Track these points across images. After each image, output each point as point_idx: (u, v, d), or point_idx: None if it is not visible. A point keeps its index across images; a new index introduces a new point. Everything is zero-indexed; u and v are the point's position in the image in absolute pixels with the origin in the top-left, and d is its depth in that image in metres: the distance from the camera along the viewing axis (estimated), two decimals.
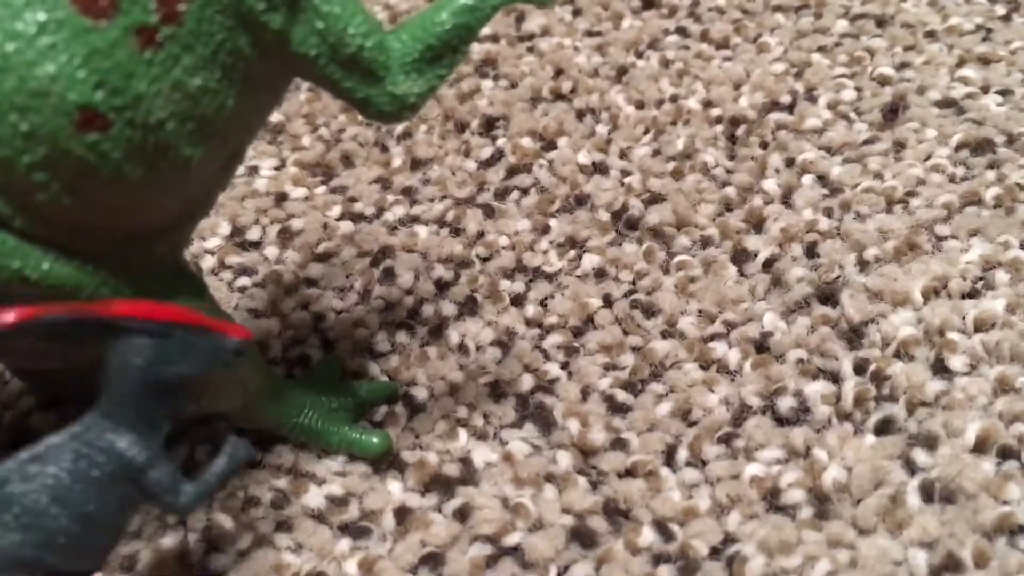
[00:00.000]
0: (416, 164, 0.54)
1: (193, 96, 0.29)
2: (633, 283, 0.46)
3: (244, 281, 0.48)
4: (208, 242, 0.50)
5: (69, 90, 0.27)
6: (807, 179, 0.50)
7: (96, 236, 0.30)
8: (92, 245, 0.30)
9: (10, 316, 0.27)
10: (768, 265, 0.46)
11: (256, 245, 0.50)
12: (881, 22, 0.60)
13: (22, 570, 0.29)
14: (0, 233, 0.29)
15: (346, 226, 0.50)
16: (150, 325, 0.29)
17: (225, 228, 0.50)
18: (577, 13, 0.64)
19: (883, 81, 0.55)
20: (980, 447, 0.38)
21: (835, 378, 0.41)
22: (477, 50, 0.60)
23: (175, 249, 0.34)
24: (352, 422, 0.41)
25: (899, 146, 0.51)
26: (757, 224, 0.48)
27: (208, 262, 0.49)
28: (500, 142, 0.54)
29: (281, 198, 0.52)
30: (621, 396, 0.42)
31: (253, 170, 0.54)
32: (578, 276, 0.47)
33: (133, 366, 0.29)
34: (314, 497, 0.39)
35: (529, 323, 0.45)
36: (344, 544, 0.38)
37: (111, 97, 0.27)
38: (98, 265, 0.30)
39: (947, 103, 0.53)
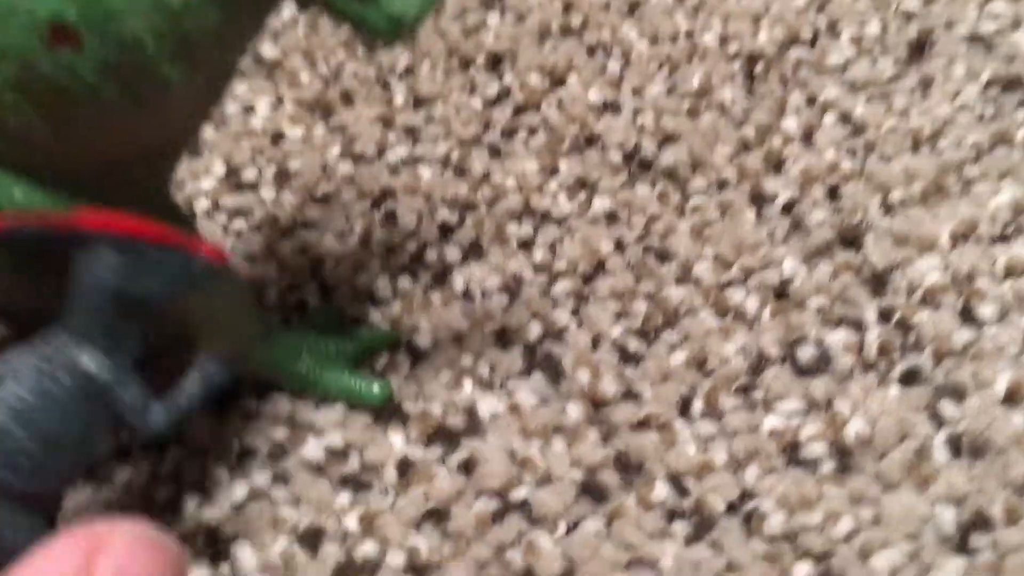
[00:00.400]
0: (419, 102, 0.51)
1: (174, 13, 0.27)
2: (646, 227, 0.44)
3: (240, 224, 0.46)
4: (202, 183, 0.48)
5: (39, 4, 0.25)
6: (829, 118, 0.47)
7: (72, 162, 0.28)
8: (68, 172, 0.28)
9: None
10: (788, 208, 0.44)
11: (252, 186, 0.48)
12: None
13: None
14: None
15: (346, 167, 0.48)
16: (116, 239, 0.27)
17: (219, 168, 0.48)
18: None
19: (909, 16, 0.53)
20: (1011, 399, 0.36)
21: (858, 327, 0.39)
22: None
23: (159, 181, 0.32)
24: (352, 369, 0.39)
25: (926, 84, 0.49)
26: (776, 165, 0.46)
27: (202, 204, 0.47)
28: (507, 79, 0.52)
29: (278, 137, 0.50)
30: (633, 345, 0.40)
31: (249, 108, 0.51)
32: (588, 220, 0.45)
33: (98, 280, 0.28)
34: (313, 449, 0.37)
35: (537, 269, 0.43)
36: (344, 498, 0.36)
37: (84, 10, 0.25)
38: (75, 194, 0.28)
39: (976, 39, 0.51)
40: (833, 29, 0.52)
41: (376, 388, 0.38)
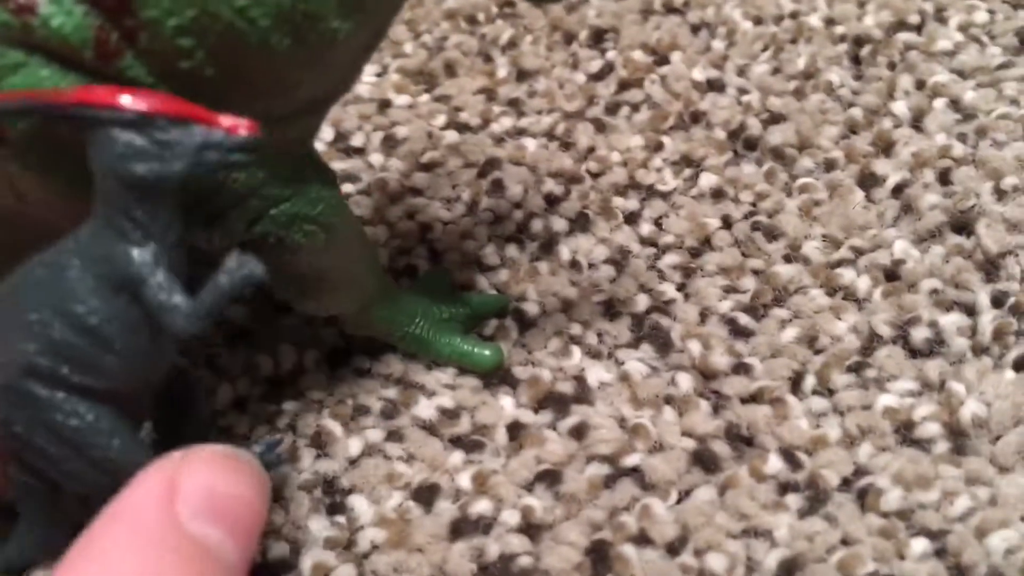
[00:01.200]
0: (522, 75, 0.52)
1: None
2: (753, 205, 0.44)
3: (348, 188, 0.46)
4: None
5: None
6: (939, 103, 0.47)
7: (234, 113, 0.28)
8: None
9: None
10: (898, 191, 0.44)
11: (360, 151, 0.48)
12: None
13: (37, 379, 0.28)
14: None
15: (451, 136, 0.48)
16: (117, 115, 0.25)
17: (328, 133, 0.49)
18: None
19: (1017, 4, 0.52)
20: None
21: (971, 311, 0.39)
22: None
23: (308, 137, 0.32)
24: (463, 334, 0.39)
25: None
26: (886, 148, 0.46)
27: None
28: (610, 55, 0.52)
29: (384, 105, 0.50)
30: (743, 320, 0.40)
31: None
32: (694, 196, 0.45)
33: (105, 162, 0.26)
34: (424, 408, 0.38)
35: (644, 242, 0.44)
36: (457, 457, 0.37)
37: None
38: None
39: None
40: (940, 15, 0.52)
41: (489, 352, 0.39)
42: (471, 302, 0.41)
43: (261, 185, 0.30)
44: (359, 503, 0.36)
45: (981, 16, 0.52)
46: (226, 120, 0.26)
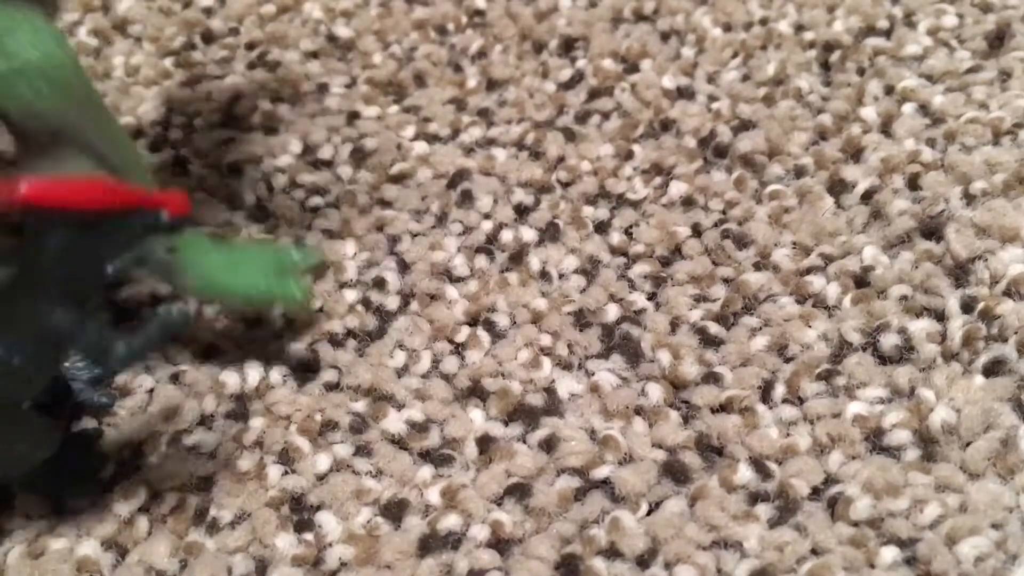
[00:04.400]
0: (492, 85, 0.51)
1: None
2: (723, 212, 0.44)
3: (317, 200, 0.46)
4: (279, 160, 0.48)
5: None
6: (908, 108, 0.47)
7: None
8: None
9: None
10: (867, 197, 0.44)
11: (328, 164, 0.48)
12: None
13: None
14: None
15: (421, 147, 0.48)
16: (68, 215, 0.28)
17: (296, 146, 0.48)
18: None
19: (986, 8, 0.52)
20: None
21: (940, 316, 0.39)
22: None
23: None
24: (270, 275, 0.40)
25: (1005, 75, 0.48)
26: (855, 154, 0.46)
27: (280, 180, 0.47)
28: (580, 63, 0.52)
29: (353, 117, 0.50)
30: (713, 329, 0.40)
31: (323, 87, 0.52)
32: (664, 204, 0.45)
33: (50, 256, 0.28)
34: (394, 422, 0.38)
35: (614, 251, 0.43)
36: (426, 471, 0.36)
37: None
38: None
39: None
40: (909, 20, 0.52)
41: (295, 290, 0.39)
42: (290, 253, 0.41)
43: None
44: (327, 520, 0.35)
45: (950, 20, 0.52)
46: (166, 199, 0.29)
